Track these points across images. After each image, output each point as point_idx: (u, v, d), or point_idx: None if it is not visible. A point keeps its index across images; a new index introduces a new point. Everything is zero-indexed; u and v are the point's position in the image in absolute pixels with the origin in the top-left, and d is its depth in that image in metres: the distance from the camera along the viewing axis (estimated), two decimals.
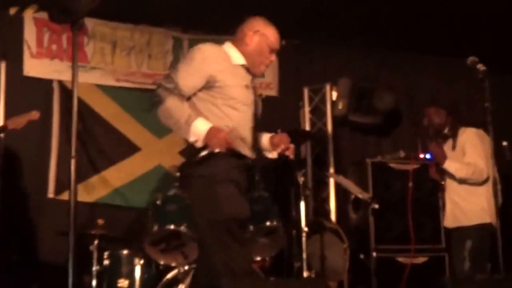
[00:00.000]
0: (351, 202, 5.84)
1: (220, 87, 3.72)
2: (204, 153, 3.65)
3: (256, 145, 3.87)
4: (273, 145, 3.89)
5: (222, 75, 3.74)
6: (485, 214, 4.98)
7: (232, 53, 3.86)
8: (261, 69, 3.94)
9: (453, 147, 5.21)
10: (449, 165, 5.13)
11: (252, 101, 3.85)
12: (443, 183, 5.33)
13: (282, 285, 3.71)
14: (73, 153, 3.62)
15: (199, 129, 3.61)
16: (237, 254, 3.64)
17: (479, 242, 4.98)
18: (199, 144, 3.63)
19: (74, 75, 3.68)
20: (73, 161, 3.59)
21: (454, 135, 5.22)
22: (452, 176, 5.16)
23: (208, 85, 3.72)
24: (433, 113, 5.30)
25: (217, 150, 3.62)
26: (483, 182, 5.05)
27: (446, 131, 5.26)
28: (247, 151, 3.78)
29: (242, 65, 3.86)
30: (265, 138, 3.96)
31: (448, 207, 5.26)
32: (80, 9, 3.82)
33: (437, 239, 5.58)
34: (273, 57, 3.92)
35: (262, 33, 3.86)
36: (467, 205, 5.12)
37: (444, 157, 5.15)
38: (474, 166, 5.04)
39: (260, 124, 3.94)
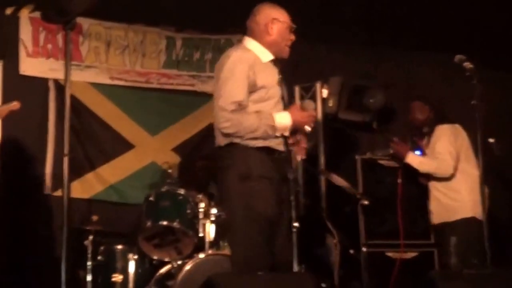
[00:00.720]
0: (341, 198, 5.90)
1: (261, 89, 3.83)
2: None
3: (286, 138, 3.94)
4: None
5: (259, 77, 3.84)
6: (468, 209, 5.03)
7: (259, 51, 3.94)
8: (286, 50, 4.00)
9: (427, 144, 5.28)
10: (412, 160, 5.23)
11: (281, 95, 3.95)
12: (425, 182, 5.39)
13: (271, 279, 3.67)
14: (66, 150, 3.71)
15: (283, 123, 3.80)
16: (260, 252, 3.75)
17: (464, 237, 5.03)
18: (287, 133, 3.82)
19: (66, 74, 3.76)
20: (66, 159, 3.68)
21: (430, 133, 5.28)
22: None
23: (251, 90, 3.82)
24: (418, 108, 5.37)
25: (309, 129, 3.86)
26: (450, 177, 5.11)
27: (425, 129, 5.32)
28: (281, 146, 3.87)
29: (270, 60, 3.94)
30: None
31: (432, 204, 5.31)
32: (73, 9, 3.89)
33: (426, 235, 5.62)
34: (293, 36, 3.99)
35: (278, 19, 3.95)
36: (448, 201, 5.17)
37: (404, 152, 5.22)
38: (440, 161, 5.10)
39: None
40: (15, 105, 5.01)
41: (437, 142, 5.17)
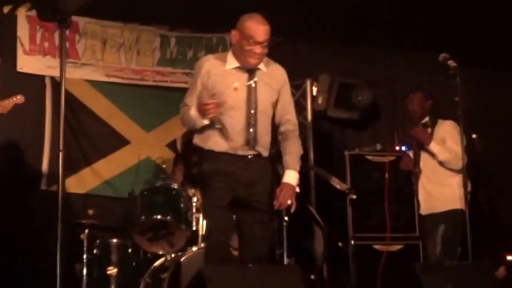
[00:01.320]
0: (330, 193, 6.00)
1: (215, 94, 3.95)
2: None
3: (254, 142, 4.01)
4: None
5: (212, 82, 3.98)
6: (457, 201, 5.18)
7: (229, 58, 4.04)
8: (248, 61, 3.96)
9: (430, 135, 5.39)
10: (434, 147, 5.33)
11: (244, 102, 3.98)
12: (416, 170, 5.49)
13: (262, 271, 3.80)
14: (61, 146, 3.82)
15: (194, 113, 3.98)
16: (218, 240, 3.99)
17: (451, 227, 5.20)
18: (207, 121, 3.97)
19: (61, 72, 3.86)
20: (61, 154, 3.79)
21: (432, 125, 5.41)
22: (426, 164, 5.35)
23: (208, 94, 3.98)
24: (419, 99, 5.48)
25: (209, 120, 3.96)
26: (459, 170, 5.17)
27: (426, 120, 5.44)
28: (240, 151, 4.01)
29: (237, 67, 4.01)
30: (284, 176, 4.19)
31: (421, 195, 5.43)
32: (67, 8, 3.99)
33: (411, 228, 5.72)
34: (258, 49, 3.92)
35: (239, 29, 3.98)
36: (440, 192, 5.30)
37: (428, 139, 5.34)
38: (455, 152, 5.21)
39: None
40: (19, 98, 5.10)
41: (448, 137, 5.33)
